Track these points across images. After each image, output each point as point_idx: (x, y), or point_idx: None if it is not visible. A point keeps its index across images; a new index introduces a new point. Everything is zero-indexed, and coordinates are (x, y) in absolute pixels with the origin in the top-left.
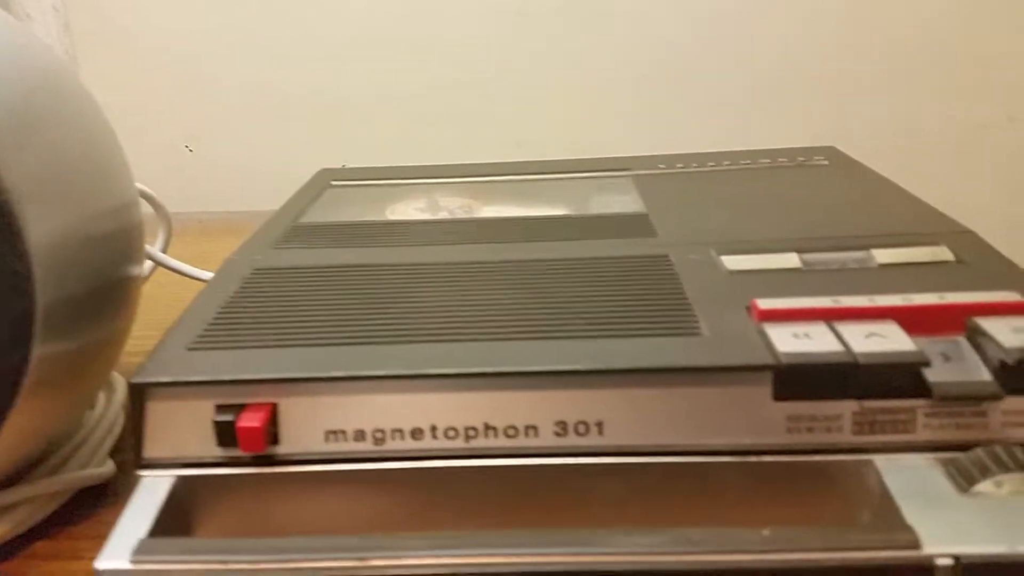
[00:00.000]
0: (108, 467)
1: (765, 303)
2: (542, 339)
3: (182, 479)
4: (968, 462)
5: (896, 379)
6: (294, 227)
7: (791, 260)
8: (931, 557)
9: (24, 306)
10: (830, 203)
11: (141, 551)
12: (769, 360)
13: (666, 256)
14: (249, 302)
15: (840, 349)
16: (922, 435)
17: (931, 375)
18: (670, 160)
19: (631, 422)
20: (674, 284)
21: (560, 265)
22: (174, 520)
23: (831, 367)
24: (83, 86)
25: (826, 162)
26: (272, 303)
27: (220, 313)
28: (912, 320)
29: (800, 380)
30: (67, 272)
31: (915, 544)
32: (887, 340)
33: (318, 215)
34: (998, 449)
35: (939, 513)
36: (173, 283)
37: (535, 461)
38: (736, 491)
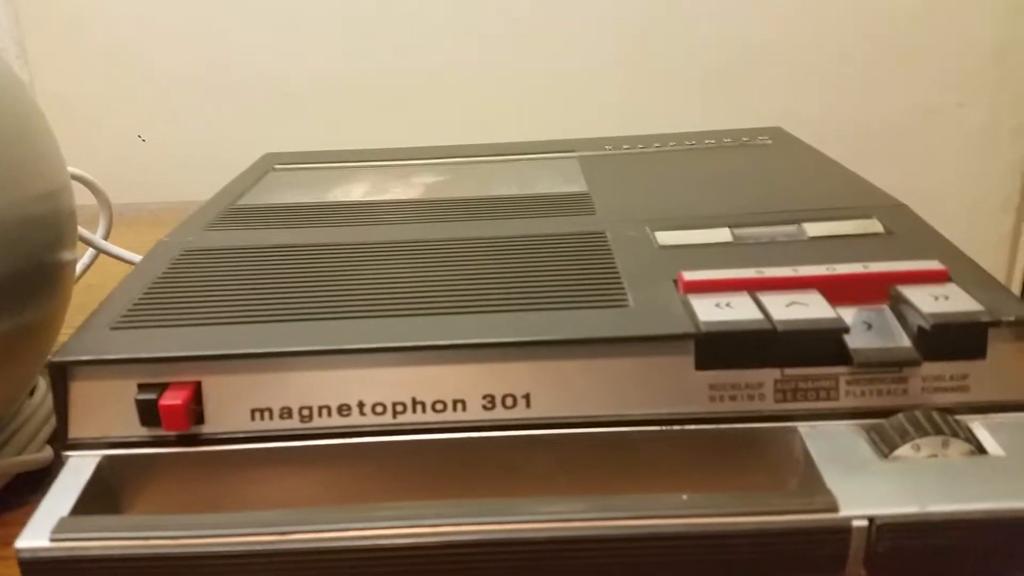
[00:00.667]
0: (46, 453)
1: (690, 275)
2: (470, 313)
3: (107, 458)
4: (889, 427)
5: (817, 346)
6: (230, 209)
7: (723, 235)
8: (848, 519)
9: None
10: (768, 180)
11: (61, 529)
12: (690, 329)
13: (603, 233)
14: (176, 283)
15: (760, 317)
16: (845, 402)
17: (852, 342)
18: (616, 142)
19: (558, 394)
20: (607, 259)
21: (497, 243)
22: (99, 500)
23: (751, 334)
24: (10, 69)
25: (770, 142)
26: (199, 284)
27: (146, 294)
28: (836, 289)
29: (721, 348)
30: None
31: (833, 507)
32: (808, 308)
33: (256, 197)
34: (918, 414)
35: (859, 477)
36: (120, 272)
37: (463, 435)
38: (662, 460)
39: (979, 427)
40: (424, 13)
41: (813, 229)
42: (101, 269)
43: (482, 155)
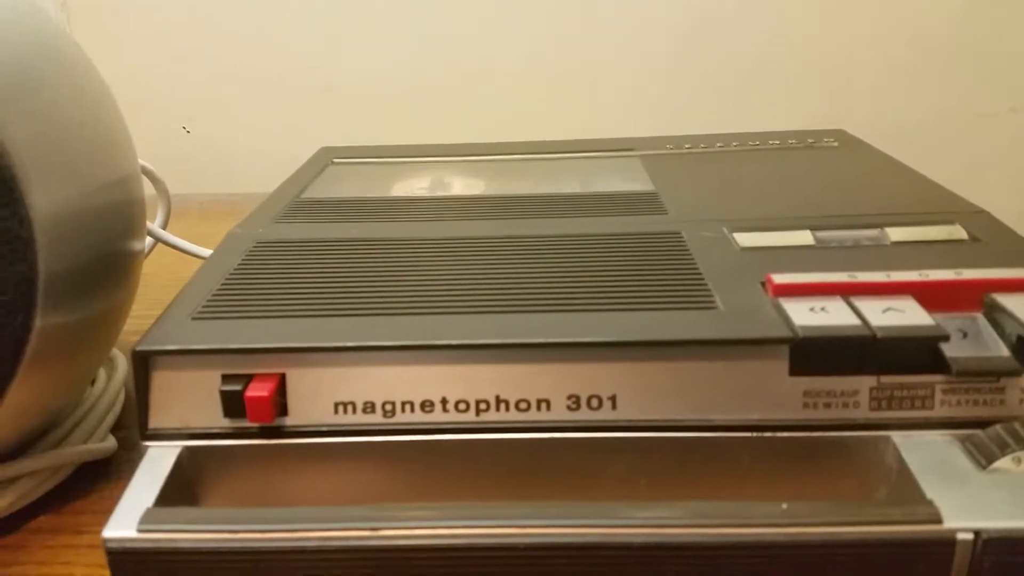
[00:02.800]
0: (110, 443)
1: (781, 278)
2: (554, 312)
3: (188, 449)
4: (987, 439)
5: (914, 354)
6: (296, 202)
7: (804, 237)
8: (952, 532)
9: (27, 273)
10: (842, 183)
11: (148, 520)
12: (786, 333)
13: (678, 233)
14: (253, 274)
15: (858, 323)
16: (940, 411)
17: (949, 350)
18: (677, 141)
19: (645, 396)
20: (687, 260)
21: (569, 241)
22: (180, 491)
23: (849, 341)
24: (84, 54)
25: (836, 144)
26: (276, 275)
27: (224, 285)
28: (929, 296)
29: (817, 354)
30: (70, 242)
31: (936, 518)
32: (905, 315)
33: (320, 191)
34: (1017, 426)
35: (958, 489)
36: (172, 262)
37: (547, 435)
38: (750, 468)
39: None
40: (472, 9)
41: (896, 234)
42: (155, 259)
43: (539, 152)
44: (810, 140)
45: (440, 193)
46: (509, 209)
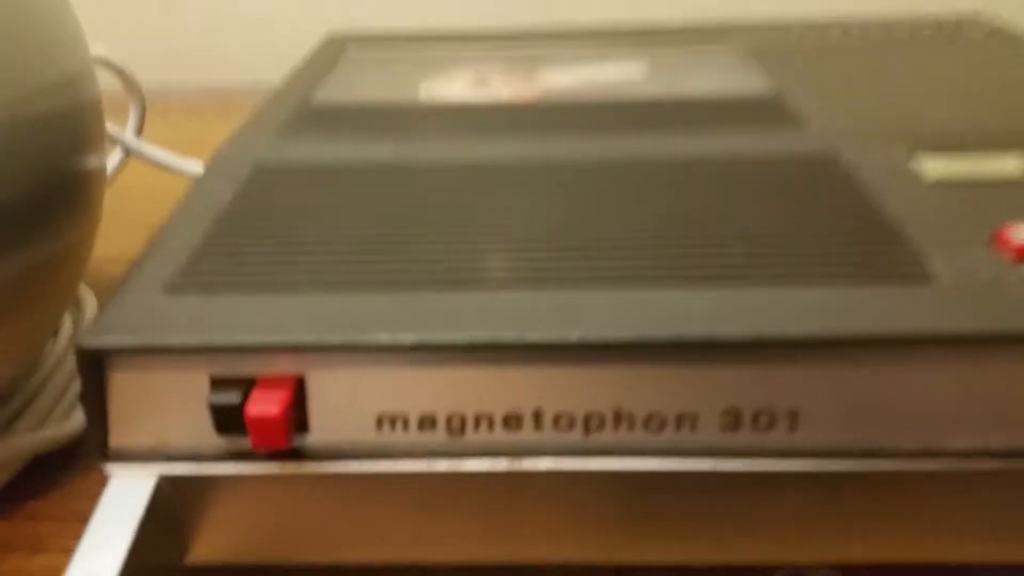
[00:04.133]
0: (75, 421)
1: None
2: (687, 286)
3: (168, 480)
4: None
5: None
6: (305, 108)
7: (1011, 165)
8: None
9: None
10: (1018, 85)
11: None
12: None
13: (833, 156)
14: (250, 216)
15: None
16: None
17: None
18: (783, 32)
19: (837, 413)
20: (861, 198)
21: (682, 167)
22: (161, 536)
23: None
24: None
25: (981, 34)
26: (283, 218)
27: (211, 233)
28: None
29: None
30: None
31: None
32: None
33: (334, 92)
34: None
35: None
36: (154, 174)
37: (691, 464)
38: (989, 512)
39: None
40: None
41: None
42: (132, 171)
43: (607, 42)
44: (949, 30)
45: (487, 95)
46: (587, 120)
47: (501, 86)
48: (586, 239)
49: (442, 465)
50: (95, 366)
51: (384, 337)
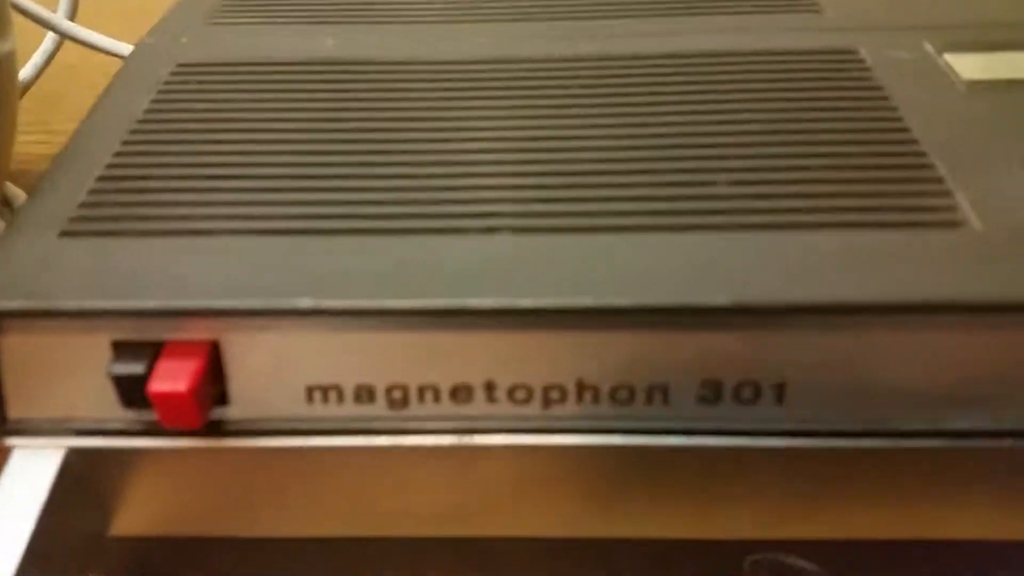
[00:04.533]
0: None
1: None
2: (663, 229)
3: (76, 453)
4: None
5: None
6: None
7: None
8: None
9: None
10: None
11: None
12: None
13: (853, 51)
14: (168, 131)
15: None
16: None
17: None
18: None
19: (825, 386)
20: (883, 106)
21: (673, 66)
22: (75, 509)
23: None
24: None
25: None
26: (201, 135)
27: (118, 156)
28: None
29: None
30: None
31: None
32: None
33: None
34: None
35: None
36: (100, 62)
37: (666, 440)
38: (987, 488)
39: None
40: None
41: None
42: (73, 55)
43: None
44: None
45: None
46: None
47: None
48: (549, 168)
49: (381, 440)
50: None
51: (306, 302)
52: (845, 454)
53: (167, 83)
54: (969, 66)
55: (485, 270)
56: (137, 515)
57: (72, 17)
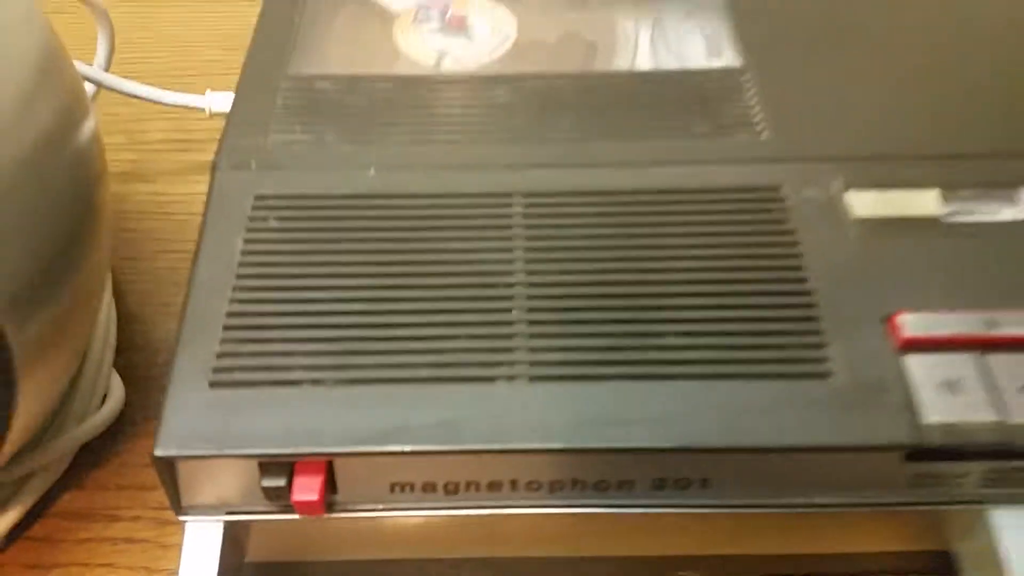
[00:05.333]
0: (115, 398)
1: (909, 327)
2: (628, 379)
3: (232, 524)
4: None
5: None
6: (288, 90)
7: (930, 202)
8: None
9: None
10: (976, 69)
11: None
12: (911, 439)
13: (778, 191)
14: (264, 279)
15: (993, 419)
16: None
17: None
18: None
19: (740, 482)
20: (791, 256)
21: (618, 204)
22: (229, 553)
23: (982, 445)
24: None
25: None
26: (293, 280)
27: (233, 304)
28: None
29: (942, 452)
30: (22, 247)
31: None
32: None
33: (310, 59)
34: None
35: None
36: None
37: (630, 510)
38: (847, 530)
39: None
40: None
41: None
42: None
43: None
44: None
45: (465, 54)
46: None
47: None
48: (532, 317)
49: (440, 514)
50: (168, 465)
51: (396, 448)
52: (744, 515)
53: (251, 218)
54: (865, 203)
55: (508, 416)
56: (267, 548)
57: (108, 67)
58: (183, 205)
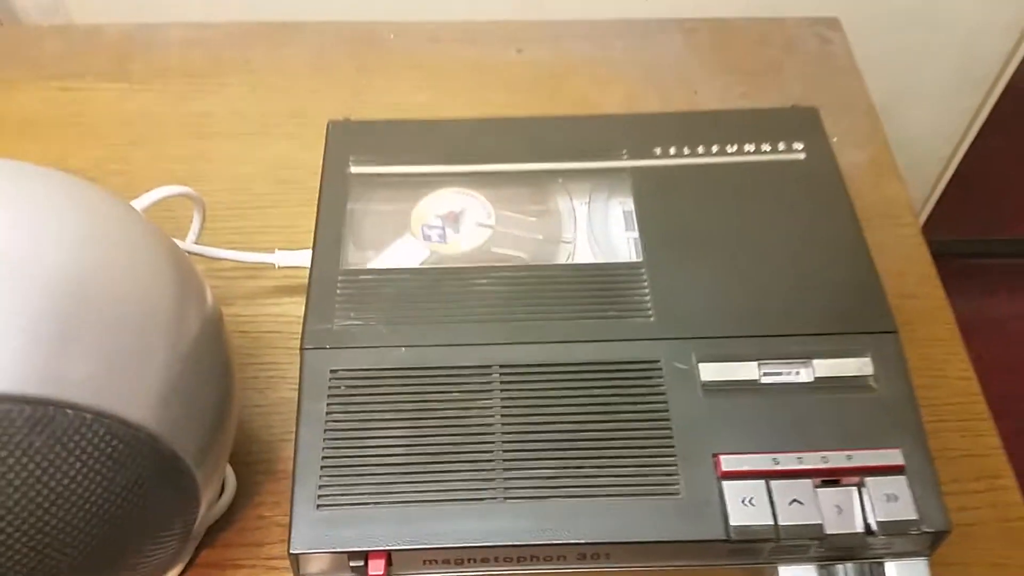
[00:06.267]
0: (230, 485)
1: (725, 462)
2: (540, 498)
3: None
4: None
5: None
6: (345, 279)
7: (752, 371)
8: None
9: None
10: (790, 260)
11: None
12: (724, 535)
13: (656, 361)
14: (347, 431)
15: (770, 523)
16: (814, 552)
17: (826, 528)
18: (663, 142)
19: (618, 554)
20: (661, 412)
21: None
22: None
23: (765, 540)
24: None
25: (802, 156)
26: (364, 435)
27: (326, 451)
28: (826, 473)
29: (744, 542)
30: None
31: None
32: (803, 509)
33: (357, 252)
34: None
35: None
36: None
37: (566, 570)
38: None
39: None
40: None
41: (821, 368)
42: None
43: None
44: (776, 147)
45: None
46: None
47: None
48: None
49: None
50: (296, 557)
51: (424, 545)
52: (631, 572)
53: (330, 387)
54: (709, 372)
55: (490, 523)
56: None
57: (198, 239)
58: (255, 324)
